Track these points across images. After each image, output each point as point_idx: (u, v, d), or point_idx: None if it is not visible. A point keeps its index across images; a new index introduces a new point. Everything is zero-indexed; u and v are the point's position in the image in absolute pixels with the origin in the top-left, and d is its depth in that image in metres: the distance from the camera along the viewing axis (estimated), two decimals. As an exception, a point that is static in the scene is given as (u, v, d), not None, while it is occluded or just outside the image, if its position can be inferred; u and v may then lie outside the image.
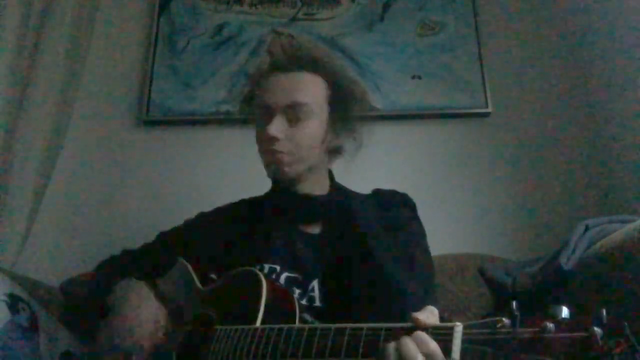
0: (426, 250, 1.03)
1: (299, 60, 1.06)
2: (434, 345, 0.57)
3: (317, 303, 0.92)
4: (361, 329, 0.63)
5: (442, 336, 0.57)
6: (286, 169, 1.00)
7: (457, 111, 1.66)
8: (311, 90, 1.02)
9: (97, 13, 1.74)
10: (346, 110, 1.06)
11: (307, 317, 0.83)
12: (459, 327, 0.56)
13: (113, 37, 1.82)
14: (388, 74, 1.70)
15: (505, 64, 1.72)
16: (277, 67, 1.06)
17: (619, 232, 0.95)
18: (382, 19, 1.77)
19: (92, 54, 1.73)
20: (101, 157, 1.70)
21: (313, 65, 1.05)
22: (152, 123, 1.72)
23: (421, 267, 0.97)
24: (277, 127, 0.98)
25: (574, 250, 1.06)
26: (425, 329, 0.59)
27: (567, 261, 1.04)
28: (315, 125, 1.02)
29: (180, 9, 1.82)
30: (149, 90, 1.72)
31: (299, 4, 1.81)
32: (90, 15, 1.69)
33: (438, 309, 0.64)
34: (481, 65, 1.68)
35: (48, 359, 1.07)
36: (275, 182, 1.07)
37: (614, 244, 0.93)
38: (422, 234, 1.05)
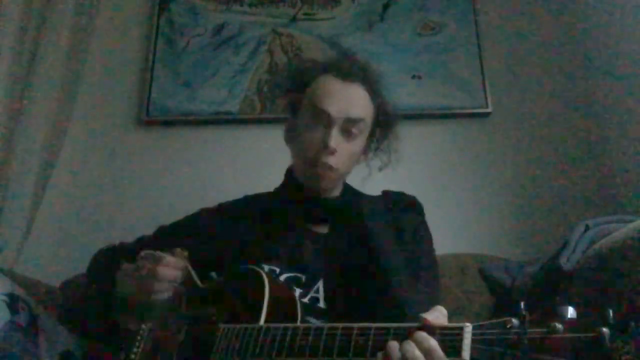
0: (432, 255, 1.04)
1: (353, 69, 1.03)
2: (433, 342, 0.57)
3: (321, 304, 0.91)
4: (369, 328, 0.63)
5: (452, 336, 0.57)
6: (327, 184, 1.00)
7: (457, 111, 1.66)
8: (365, 107, 1.02)
9: (97, 13, 1.74)
10: (386, 134, 1.08)
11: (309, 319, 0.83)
12: (468, 327, 0.57)
13: (113, 37, 1.82)
14: (388, 74, 1.69)
15: (505, 64, 1.72)
16: (332, 70, 1.03)
17: (619, 232, 0.95)
18: (382, 18, 1.77)
19: (92, 54, 1.72)
20: (101, 157, 1.69)
21: (363, 77, 1.03)
22: (152, 123, 1.72)
23: (426, 271, 0.97)
24: (336, 140, 0.96)
25: (574, 250, 1.06)
26: (433, 329, 0.59)
27: (567, 261, 1.04)
28: (362, 142, 1.03)
29: (180, 9, 1.82)
30: (149, 90, 1.72)
31: (299, 4, 1.81)
32: (90, 15, 1.69)
33: None
34: (481, 65, 1.68)
35: (48, 359, 1.07)
36: (292, 183, 1.06)
37: (614, 244, 0.93)
38: (428, 238, 1.05)
